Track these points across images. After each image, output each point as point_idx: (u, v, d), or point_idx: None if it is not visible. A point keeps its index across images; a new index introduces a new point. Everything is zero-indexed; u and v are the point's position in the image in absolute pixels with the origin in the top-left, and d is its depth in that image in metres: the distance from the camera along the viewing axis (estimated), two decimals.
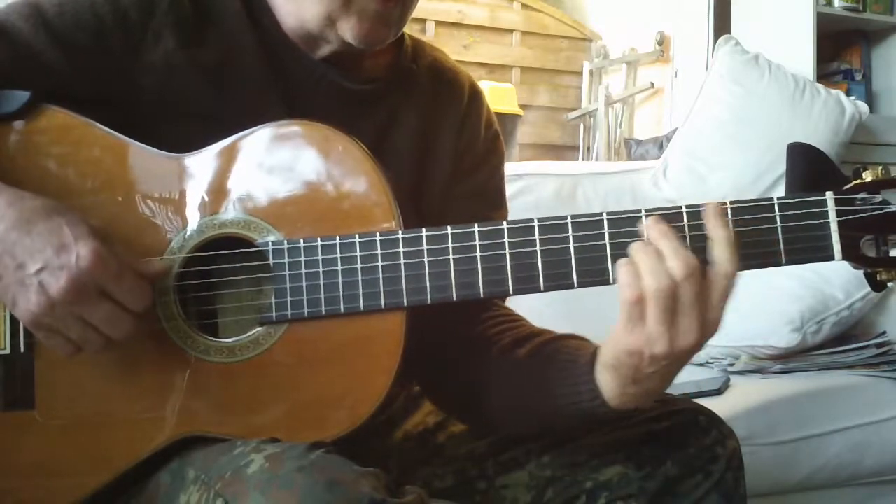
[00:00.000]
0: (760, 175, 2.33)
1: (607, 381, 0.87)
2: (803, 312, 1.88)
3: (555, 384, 0.92)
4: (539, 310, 1.10)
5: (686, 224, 0.85)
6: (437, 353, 1.02)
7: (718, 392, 1.73)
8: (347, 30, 0.96)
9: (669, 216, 0.85)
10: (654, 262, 0.81)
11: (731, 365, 1.93)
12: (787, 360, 1.90)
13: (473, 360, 1.02)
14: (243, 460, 0.80)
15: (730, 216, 0.85)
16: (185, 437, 0.91)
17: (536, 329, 1.04)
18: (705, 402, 1.05)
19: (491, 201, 1.13)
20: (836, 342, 1.93)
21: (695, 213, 0.85)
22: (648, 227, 0.84)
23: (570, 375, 0.91)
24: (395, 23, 0.99)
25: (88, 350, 0.87)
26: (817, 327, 1.88)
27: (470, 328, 1.04)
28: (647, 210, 0.86)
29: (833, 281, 1.93)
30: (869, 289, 1.89)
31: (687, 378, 1.83)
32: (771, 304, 1.90)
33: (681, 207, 0.86)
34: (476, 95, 1.16)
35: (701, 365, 2.00)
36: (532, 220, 0.88)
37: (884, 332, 1.96)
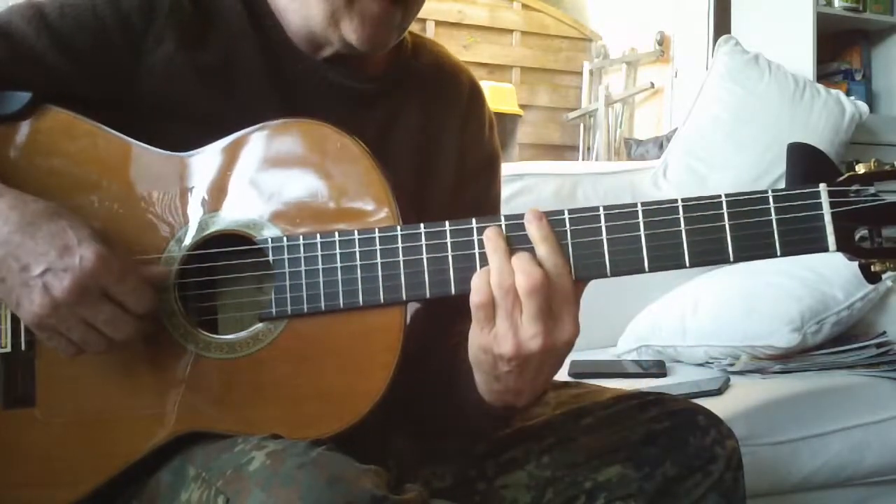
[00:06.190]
0: (760, 175, 2.33)
1: (477, 378, 0.90)
2: (803, 312, 1.87)
3: (456, 384, 0.95)
4: None
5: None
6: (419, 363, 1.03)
7: (718, 392, 1.72)
8: (350, 31, 0.97)
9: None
10: (501, 264, 0.84)
11: (731, 365, 1.92)
12: (787, 360, 1.90)
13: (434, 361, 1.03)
14: (244, 458, 0.81)
15: (725, 209, 0.85)
16: (185, 433, 0.91)
17: None
18: (705, 402, 1.05)
19: (489, 211, 1.13)
20: (836, 342, 1.93)
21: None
22: (488, 238, 0.86)
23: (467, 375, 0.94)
24: (396, 27, 1.00)
25: (90, 351, 0.88)
26: (817, 327, 1.88)
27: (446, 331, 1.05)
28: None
29: (833, 281, 1.93)
30: (869, 289, 1.91)
31: (687, 378, 1.83)
32: (771, 304, 1.90)
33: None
34: (476, 94, 1.16)
35: (701, 365, 2.00)
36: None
37: (884, 332, 1.96)
